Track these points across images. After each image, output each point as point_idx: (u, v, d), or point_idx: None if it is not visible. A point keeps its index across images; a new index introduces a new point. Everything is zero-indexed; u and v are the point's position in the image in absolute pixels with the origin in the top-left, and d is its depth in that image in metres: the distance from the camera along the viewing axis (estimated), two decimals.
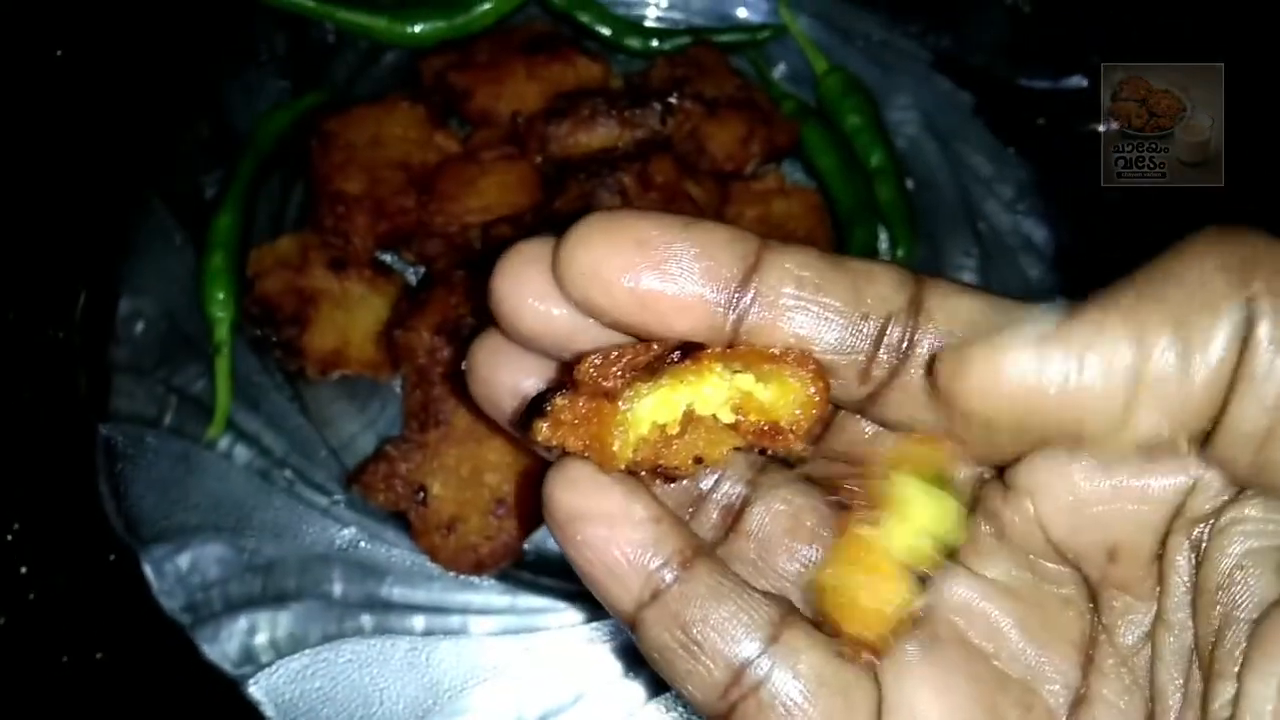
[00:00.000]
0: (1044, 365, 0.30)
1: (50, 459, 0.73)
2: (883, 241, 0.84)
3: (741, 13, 0.94)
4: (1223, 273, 0.28)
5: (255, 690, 0.67)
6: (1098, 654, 0.33)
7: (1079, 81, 0.89)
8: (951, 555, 0.34)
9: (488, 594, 0.71)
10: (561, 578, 0.72)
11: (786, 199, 0.82)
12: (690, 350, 0.31)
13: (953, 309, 0.32)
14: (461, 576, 0.71)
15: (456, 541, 0.69)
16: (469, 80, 0.83)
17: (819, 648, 0.32)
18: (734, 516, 0.36)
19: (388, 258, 0.81)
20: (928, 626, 0.33)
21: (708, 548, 0.34)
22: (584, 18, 0.90)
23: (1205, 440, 0.29)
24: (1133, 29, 0.87)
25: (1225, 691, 0.29)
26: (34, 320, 0.76)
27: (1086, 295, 0.30)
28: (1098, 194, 0.68)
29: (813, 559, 0.35)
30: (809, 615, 0.34)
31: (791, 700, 0.31)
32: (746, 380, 0.33)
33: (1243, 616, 0.29)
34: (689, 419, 0.33)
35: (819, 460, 0.36)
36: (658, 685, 0.68)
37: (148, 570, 0.69)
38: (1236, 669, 0.29)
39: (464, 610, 0.71)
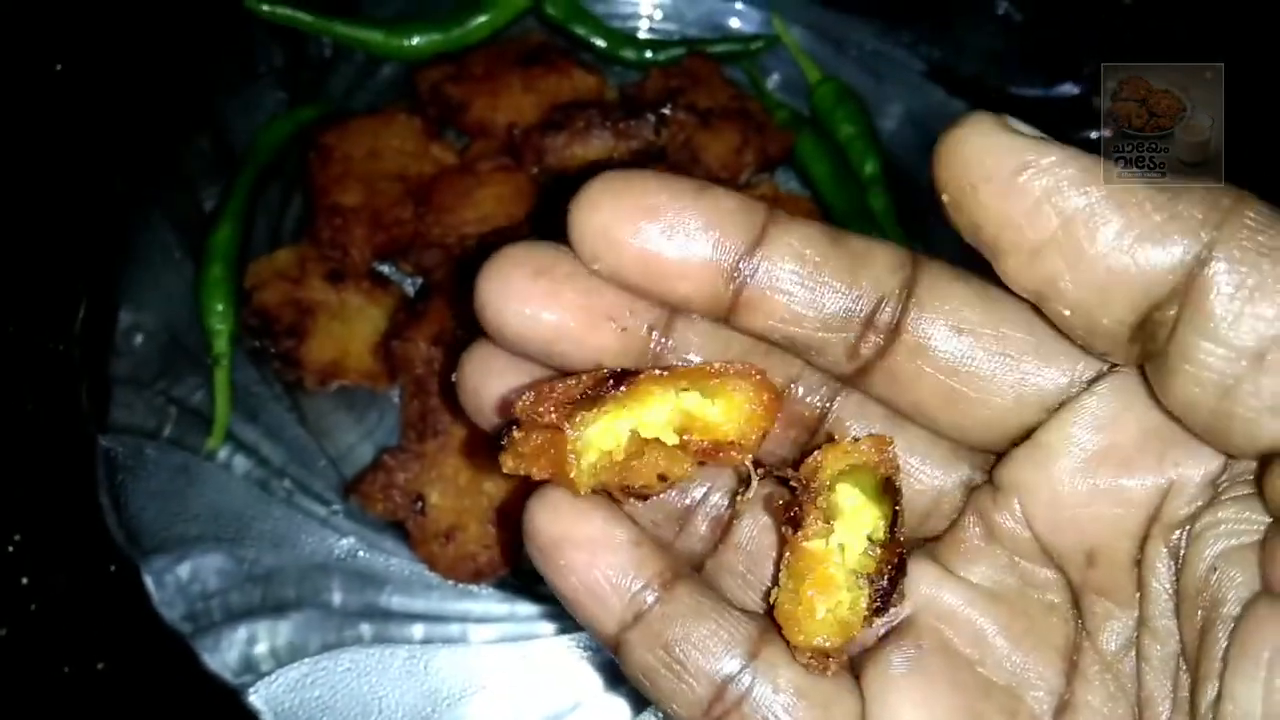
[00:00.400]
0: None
1: (51, 471, 0.73)
2: None
3: (735, 24, 0.94)
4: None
5: (255, 699, 0.68)
6: (1082, 660, 0.33)
7: (1071, 89, 0.89)
8: (928, 551, 0.35)
9: (486, 602, 0.71)
10: None
11: (780, 208, 0.83)
12: (624, 377, 0.32)
13: (944, 295, 0.33)
14: (460, 585, 0.71)
15: (455, 550, 0.70)
16: (465, 92, 0.83)
17: (799, 662, 0.33)
18: (723, 529, 0.37)
19: (385, 269, 0.81)
20: (911, 635, 0.34)
21: (688, 569, 0.34)
22: (579, 30, 0.90)
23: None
24: (1124, 34, 0.87)
25: (1211, 694, 0.29)
26: (34, 333, 0.76)
27: None
28: None
29: None
30: None
31: (773, 714, 0.32)
32: (692, 399, 0.33)
33: (1224, 614, 0.29)
34: (637, 442, 0.33)
35: (769, 481, 0.36)
36: None
37: (148, 580, 0.70)
38: (1220, 670, 0.29)
39: (462, 619, 0.71)
